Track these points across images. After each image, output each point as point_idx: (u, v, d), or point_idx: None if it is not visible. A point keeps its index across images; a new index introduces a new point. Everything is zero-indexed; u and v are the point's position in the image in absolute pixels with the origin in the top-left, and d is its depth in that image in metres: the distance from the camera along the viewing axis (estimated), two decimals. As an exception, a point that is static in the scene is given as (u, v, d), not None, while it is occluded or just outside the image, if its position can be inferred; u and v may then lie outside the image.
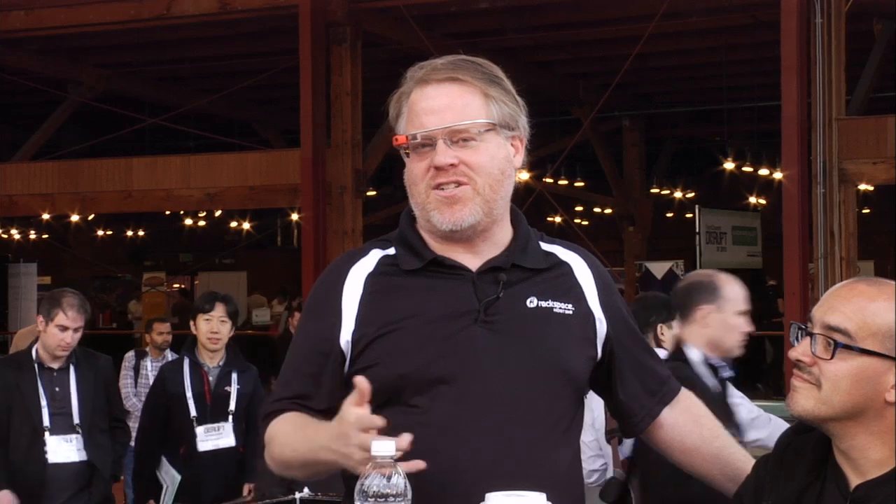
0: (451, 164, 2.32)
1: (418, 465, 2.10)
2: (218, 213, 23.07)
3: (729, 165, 18.58)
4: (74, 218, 17.22)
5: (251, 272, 26.74)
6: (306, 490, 5.10)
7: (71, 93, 16.92)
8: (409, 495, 2.00)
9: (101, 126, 18.18)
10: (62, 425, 5.68)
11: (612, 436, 4.73)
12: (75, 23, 14.36)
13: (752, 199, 20.59)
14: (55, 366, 5.75)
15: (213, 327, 6.16)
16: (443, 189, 2.34)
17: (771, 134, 16.25)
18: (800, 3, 11.67)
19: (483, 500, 2.01)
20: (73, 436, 5.67)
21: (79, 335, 5.78)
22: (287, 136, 19.31)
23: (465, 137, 2.34)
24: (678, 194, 22.32)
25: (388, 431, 2.18)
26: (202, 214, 24.46)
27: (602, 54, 16.31)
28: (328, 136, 13.60)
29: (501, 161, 2.38)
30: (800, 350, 2.13)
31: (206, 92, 17.11)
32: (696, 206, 18.88)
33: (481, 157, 2.34)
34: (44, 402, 5.67)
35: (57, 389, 5.70)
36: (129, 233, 27.12)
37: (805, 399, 2.11)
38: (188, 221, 24.97)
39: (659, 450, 2.61)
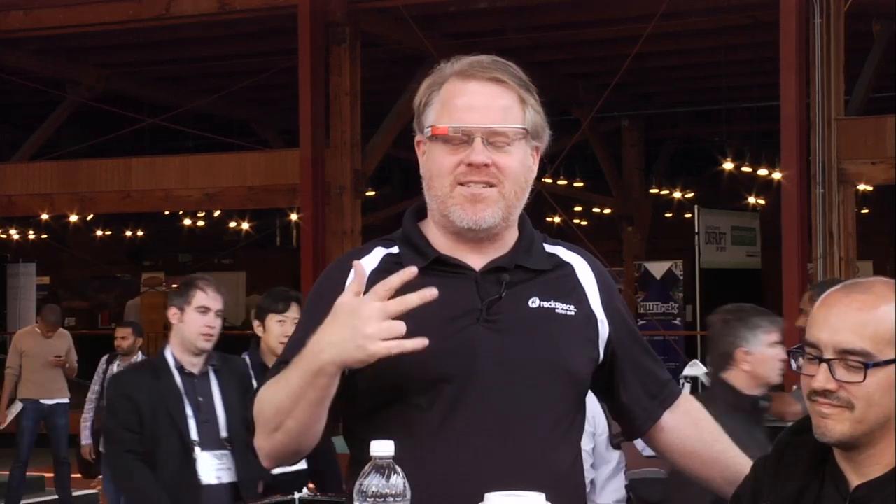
0: (486, 165, 2.32)
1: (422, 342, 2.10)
2: (217, 213, 23.07)
3: (728, 165, 18.57)
4: (73, 218, 17.21)
5: (250, 272, 26.72)
6: (305, 490, 5.05)
7: (70, 93, 16.92)
8: (409, 495, 2.00)
9: (100, 126, 18.18)
10: (210, 440, 4.87)
11: (622, 439, 4.72)
12: (74, 23, 14.37)
13: (752, 200, 20.58)
14: (195, 370, 4.94)
15: (287, 330, 5.28)
16: (470, 186, 2.33)
17: (770, 134, 16.27)
18: (799, 3, 11.67)
19: (483, 499, 2.01)
20: (222, 452, 4.87)
21: (219, 322, 5.01)
22: (286, 137, 19.31)
23: (501, 141, 2.33)
24: (677, 194, 22.31)
25: (390, 430, 2.18)
26: (201, 214, 24.44)
27: (601, 54, 16.32)
28: (327, 136, 13.60)
29: (527, 169, 2.39)
30: (822, 379, 2.09)
31: (206, 92, 17.12)
32: (696, 206, 18.88)
33: (512, 162, 2.34)
34: (189, 412, 4.86)
35: (201, 399, 4.91)
36: (128, 233, 27.09)
37: (840, 424, 2.08)
38: (187, 221, 24.95)
39: (659, 452, 2.62)
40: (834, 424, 2.09)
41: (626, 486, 4.73)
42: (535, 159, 2.42)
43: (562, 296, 2.41)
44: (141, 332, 9.71)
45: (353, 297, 2.13)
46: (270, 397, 2.26)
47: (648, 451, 4.87)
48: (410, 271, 2.13)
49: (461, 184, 2.33)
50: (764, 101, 16.61)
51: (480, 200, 2.33)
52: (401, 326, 2.09)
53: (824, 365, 2.09)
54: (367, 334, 2.09)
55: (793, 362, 2.15)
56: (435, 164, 2.36)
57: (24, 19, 14.55)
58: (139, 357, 9.29)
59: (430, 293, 2.12)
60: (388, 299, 2.11)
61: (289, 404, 2.21)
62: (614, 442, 4.81)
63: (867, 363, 2.05)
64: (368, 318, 2.09)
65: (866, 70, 13.77)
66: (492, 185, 2.33)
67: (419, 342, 2.11)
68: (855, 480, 2.11)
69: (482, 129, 2.32)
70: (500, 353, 2.32)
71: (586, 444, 4.86)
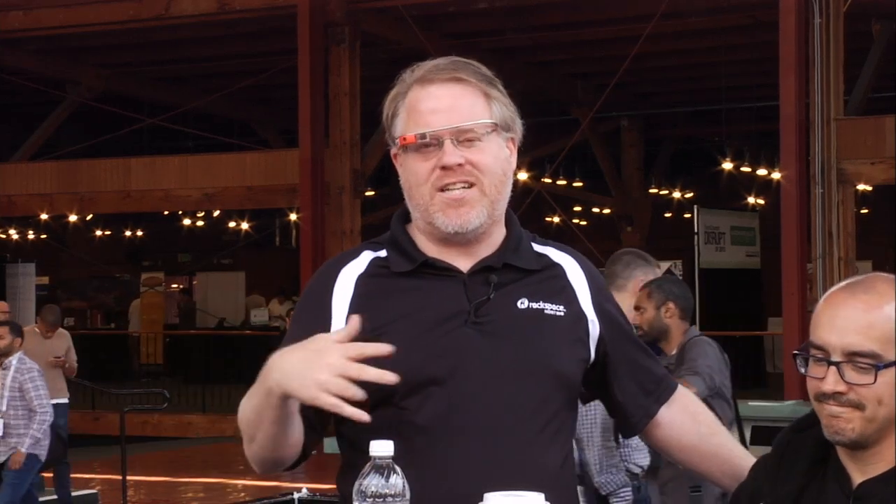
0: (459, 164, 2.32)
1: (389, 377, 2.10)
2: (216, 213, 23.07)
3: (727, 165, 18.59)
4: (73, 218, 17.22)
5: (249, 272, 26.73)
6: (304, 490, 5.06)
7: (70, 93, 16.93)
8: (408, 495, 2.00)
9: (100, 126, 18.19)
10: None
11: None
12: (74, 23, 14.38)
13: (751, 199, 20.59)
14: None
15: None
16: (448, 191, 2.33)
17: (769, 134, 16.27)
18: (798, 3, 11.68)
19: (476, 500, 2.01)
20: None
21: None
22: (286, 137, 19.32)
23: (471, 137, 2.32)
24: (677, 194, 22.33)
25: (379, 433, 2.18)
26: (200, 214, 24.44)
27: (601, 54, 16.33)
28: (327, 136, 13.61)
29: (503, 161, 2.37)
30: (832, 382, 2.08)
31: (205, 92, 17.13)
32: (695, 206, 18.88)
33: (486, 158, 2.33)
34: None
35: None
36: (128, 233, 27.10)
37: (851, 423, 2.08)
38: (186, 221, 24.95)
39: (657, 448, 2.61)
40: (845, 425, 2.09)
41: None
42: (512, 150, 2.42)
43: (551, 296, 2.40)
44: (19, 331, 9.42)
45: (331, 341, 2.13)
46: (245, 407, 2.29)
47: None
48: (386, 349, 2.13)
49: (440, 190, 2.33)
50: (763, 101, 16.61)
51: (463, 204, 2.32)
52: (354, 392, 2.09)
53: (833, 367, 2.09)
54: (318, 380, 2.09)
55: (799, 365, 2.15)
56: (412, 174, 2.35)
57: (23, 19, 14.56)
58: (17, 358, 9.04)
59: (386, 350, 2.13)
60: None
61: (255, 418, 2.24)
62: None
63: (877, 364, 2.06)
64: (326, 366, 2.09)
65: (866, 70, 13.77)
66: (471, 185, 2.33)
67: (358, 414, 2.11)
68: (858, 478, 2.11)
69: (449, 130, 2.31)
70: (487, 355, 2.31)
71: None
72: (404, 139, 2.35)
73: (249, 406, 2.24)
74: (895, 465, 2.09)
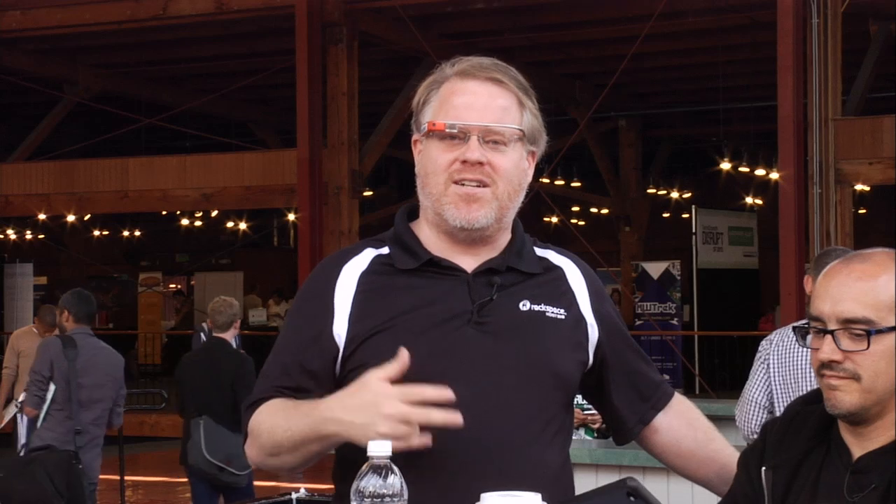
0: (480, 163, 2.32)
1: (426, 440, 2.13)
2: (214, 213, 23.06)
3: (725, 165, 18.60)
4: (70, 218, 17.21)
5: (247, 272, 26.71)
6: (303, 490, 5.05)
7: (67, 93, 16.91)
8: (406, 495, 2.00)
9: (98, 126, 18.18)
10: None
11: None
12: (72, 23, 14.37)
13: (749, 200, 20.59)
14: None
15: None
16: (464, 185, 2.33)
17: (767, 134, 16.29)
18: (796, 3, 11.68)
19: (475, 499, 2.01)
20: None
21: None
22: (283, 137, 19.31)
23: (497, 140, 2.33)
24: (674, 194, 22.33)
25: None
26: (198, 214, 24.42)
27: (599, 54, 16.33)
28: (324, 136, 13.60)
29: (521, 172, 2.38)
30: (828, 350, 2.11)
31: (203, 92, 17.12)
32: (693, 206, 18.90)
33: (507, 163, 2.34)
34: None
35: None
36: (126, 233, 27.07)
37: (849, 395, 2.10)
38: (184, 221, 24.94)
39: (655, 455, 2.60)
40: (843, 396, 2.10)
41: None
42: (530, 163, 2.42)
43: (552, 299, 2.41)
44: None
45: (384, 385, 2.14)
46: (271, 428, 2.29)
47: None
48: (447, 396, 2.15)
49: (456, 182, 2.33)
50: (761, 102, 16.61)
51: (475, 200, 2.32)
52: (413, 436, 2.12)
53: (829, 336, 2.11)
54: (381, 432, 2.11)
55: (800, 340, 2.17)
56: (430, 161, 2.36)
57: (21, 19, 14.56)
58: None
59: (448, 398, 2.16)
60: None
61: (289, 446, 2.27)
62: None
63: (870, 330, 2.08)
64: (389, 417, 2.12)
65: (863, 70, 13.78)
66: (485, 185, 2.33)
67: (424, 440, 2.14)
68: (858, 452, 2.13)
69: (479, 127, 2.32)
70: (490, 355, 2.32)
71: None
72: (433, 124, 2.34)
73: (284, 435, 2.26)
74: (895, 439, 2.10)
